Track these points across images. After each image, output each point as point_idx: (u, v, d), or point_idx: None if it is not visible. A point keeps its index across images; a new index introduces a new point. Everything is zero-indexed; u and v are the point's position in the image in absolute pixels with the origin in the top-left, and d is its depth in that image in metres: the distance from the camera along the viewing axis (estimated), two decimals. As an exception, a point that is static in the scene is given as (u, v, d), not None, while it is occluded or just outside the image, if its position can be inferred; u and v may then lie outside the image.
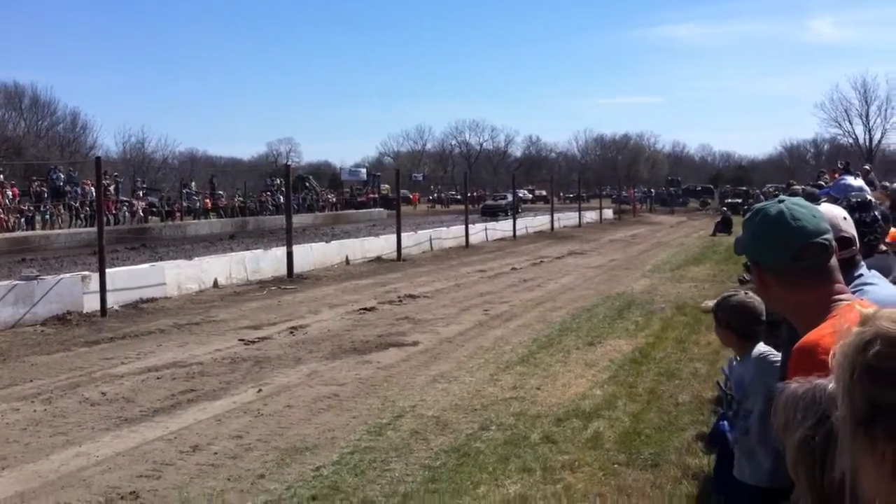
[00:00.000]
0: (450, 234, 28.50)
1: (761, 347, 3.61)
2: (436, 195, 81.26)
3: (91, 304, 13.08)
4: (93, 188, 37.46)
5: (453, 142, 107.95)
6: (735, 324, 3.65)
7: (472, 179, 32.15)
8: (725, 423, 4.89)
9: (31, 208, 36.36)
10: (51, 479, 5.79)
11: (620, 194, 74.02)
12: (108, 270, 13.61)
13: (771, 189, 33.99)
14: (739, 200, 51.08)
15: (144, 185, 49.86)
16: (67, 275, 13.84)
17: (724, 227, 32.99)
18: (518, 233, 33.26)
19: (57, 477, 5.82)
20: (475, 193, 68.14)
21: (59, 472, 5.92)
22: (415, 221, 40.61)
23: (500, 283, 17.49)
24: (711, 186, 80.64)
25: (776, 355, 3.46)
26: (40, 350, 10.56)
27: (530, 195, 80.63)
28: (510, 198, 48.03)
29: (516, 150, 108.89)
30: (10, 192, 36.71)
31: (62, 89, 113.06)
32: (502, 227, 33.01)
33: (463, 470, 5.74)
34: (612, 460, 5.92)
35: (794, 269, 1.94)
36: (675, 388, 8.00)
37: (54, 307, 12.67)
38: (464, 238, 28.32)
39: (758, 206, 2.11)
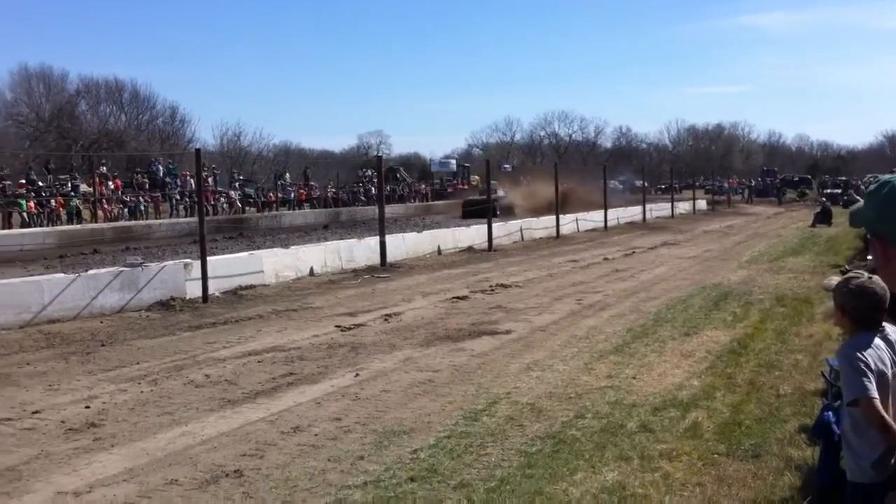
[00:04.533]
0: (540, 225, 28.37)
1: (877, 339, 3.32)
2: (525, 186, 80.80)
3: (193, 290, 13.49)
4: (192, 179, 38.60)
5: (542, 133, 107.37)
6: (851, 308, 3.36)
7: (561, 170, 31.97)
8: (830, 413, 4.78)
9: (134, 199, 37.59)
10: (158, 456, 6.00)
11: (714, 184, 72.47)
12: (208, 258, 14.01)
13: (872, 179, 32.80)
14: (839, 191, 49.40)
15: (241, 177, 50.99)
16: (170, 262, 14.28)
17: (823, 217, 32.00)
18: (609, 223, 32.92)
19: (164, 455, 6.03)
20: (565, 185, 67.49)
21: (165, 450, 6.12)
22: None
23: (593, 273, 17.36)
24: (809, 177, 78.38)
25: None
26: (146, 334, 10.96)
27: (620, 186, 79.60)
28: (501, 192, 43.37)
29: (606, 141, 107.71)
30: (112, 184, 38.06)
31: (161, 84, 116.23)
32: (593, 218, 32.71)
33: (559, 456, 5.74)
34: (712, 450, 5.83)
35: None
36: (776, 379, 7.82)
37: (158, 293, 13.11)
38: (554, 228, 28.17)
39: (884, 178, 2.05)
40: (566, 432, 6.29)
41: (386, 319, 11.70)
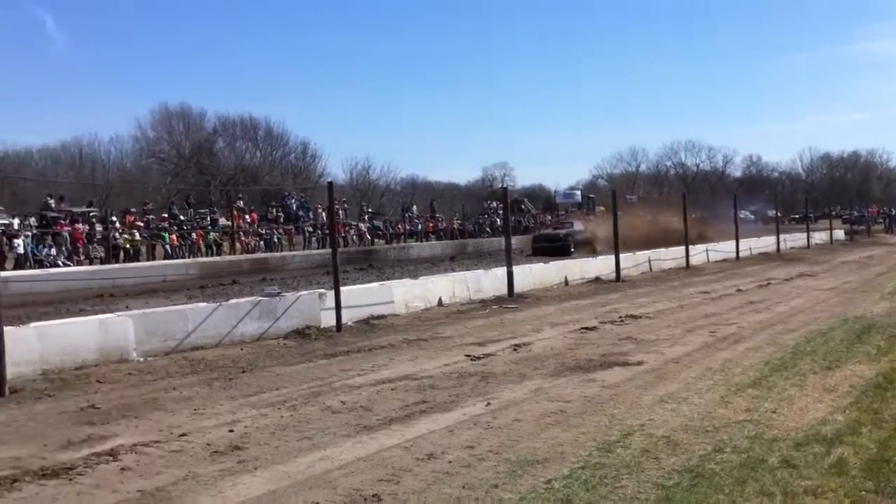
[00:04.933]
0: (669, 256, 27.89)
1: None
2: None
3: (328, 319, 13.89)
4: (323, 213, 39.74)
5: (668, 163, 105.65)
6: None
7: (689, 200, 31.31)
8: None
9: (269, 231, 38.96)
10: (299, 479, 6.17)
11: (852, 214, 69.60)
12: (341, 288, 14.39)
13: None
14: None
15: (370, 210, 52.15)
16: (305, 292, 14.74)
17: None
18: (741, 254, 32.07)
19: (304, 478, 6.20)
20: (693, 216, 66.08)
21: (306, 474, 6.29)
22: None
23: (726, 304, 16.94)
24: (957, 206, 74.35)
25: None
26: (284, 361, 11.34)
27: (752, 216, 77.30)
28: (577, 227, 40.55)
29: (735, 171, 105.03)
30: (248, 217, 39.56)
31: (293, 121, 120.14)
32: (724, 248, 31.94)
33: (698, 490, 5.63)
34: (859, 487, 5.60)
35: None
36: (927, 415, 7.45)
37: (294, 322, 13.55)
38: (684, 259, 27.63)
39: None
40: (704, 466, 6.16)
41: (515, 349, 11.73)
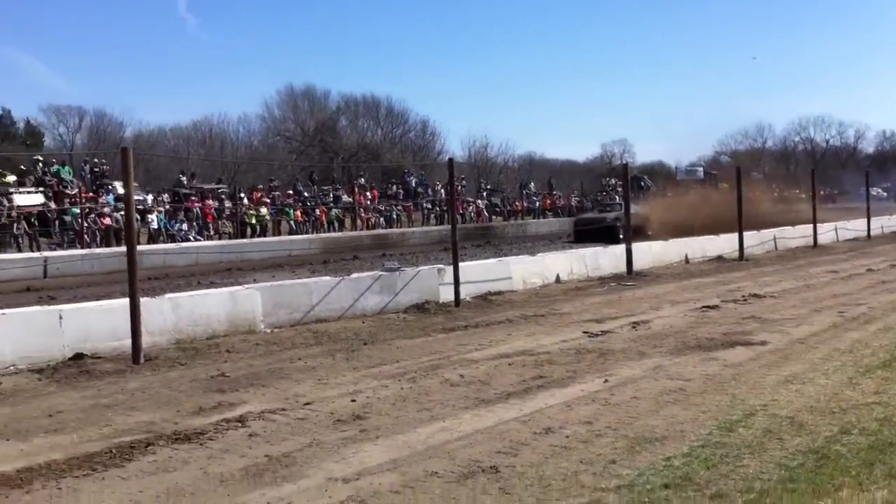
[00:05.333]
0: (795, 234, 26.99)
1: None
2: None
3: (446, 294, 14.07)
4: (442, 189, 40.09)
5: (796, 139, 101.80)
6: None
7: (817, 177, 30.03)
8: None
9: (388, 208, 39.59)
10: (419, 449, 6.32)
11: None
12: (460, 264, 14.54)
13: None
14: None
15: (488, 187, 52.28)
16: (424, 267, 14.97)
17: None
18: (873, 232, 30.75)
19: (424, 448, 6.34)
20: (822, 192, 63.61)
21: (425, 444, 6.43)
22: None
23: (855, 284, 16.31)
24: None
25: None
26: (403, 334, 11.57)
27: (885, 193, 73.76)
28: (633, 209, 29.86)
29: (867, 147, 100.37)
30: (369, 194, 40.28)
31: (414, 99, 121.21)
32: (854, 227, 30.70)
33: (823, 472, 5.50)
34: None
35: None
36: None
37: (414, 297, 13.79)
38: (811, 237, 26.70)
39: None
40: (830, 447, 6.00)
41: (634, 327, 11.63)
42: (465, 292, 14.45)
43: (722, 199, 31.85)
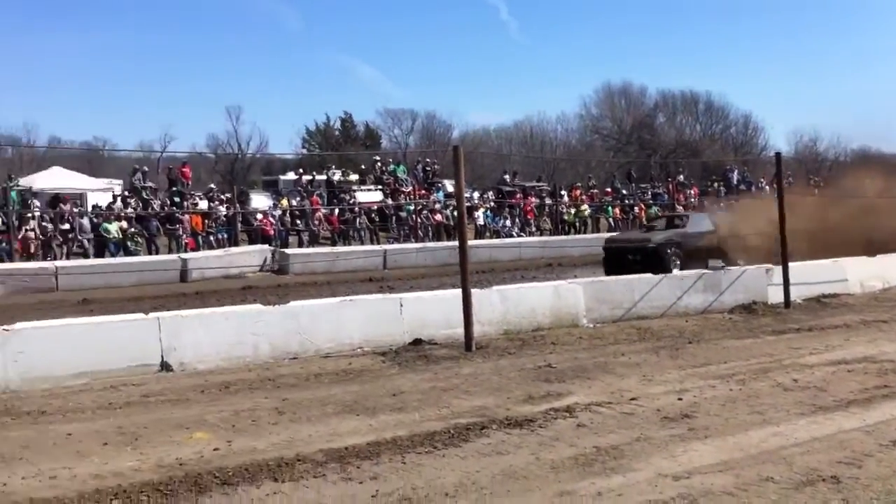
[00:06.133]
0: None
1: None
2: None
3: (774, 295, 13.51)
4: (767, 186, 38.21)
5: None
6: None
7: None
8: None
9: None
10: (751, 452, 6.12)
11: None
12: (790, 264, 13.85)
13: None
14: None
15: (820, 183, 49.08)
16: (752, 267, 14.44)
17: None
18: None
19: (757, 452, 6.13)
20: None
21: (758, 448, 6.22)
22: None
23: None
24: None
25: None
26: (730, 334, 11.28)
27: None
28: (692, 222, 23.49)
29: None
30: (691, 191, 39.40)
31: (735, 94, 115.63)
32: None
33: None
34: None
35: None
36: None
37: (739, 297, 13.38)
38: None
39: None
40: None
41: None
42: (796, 294, 13.75)
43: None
